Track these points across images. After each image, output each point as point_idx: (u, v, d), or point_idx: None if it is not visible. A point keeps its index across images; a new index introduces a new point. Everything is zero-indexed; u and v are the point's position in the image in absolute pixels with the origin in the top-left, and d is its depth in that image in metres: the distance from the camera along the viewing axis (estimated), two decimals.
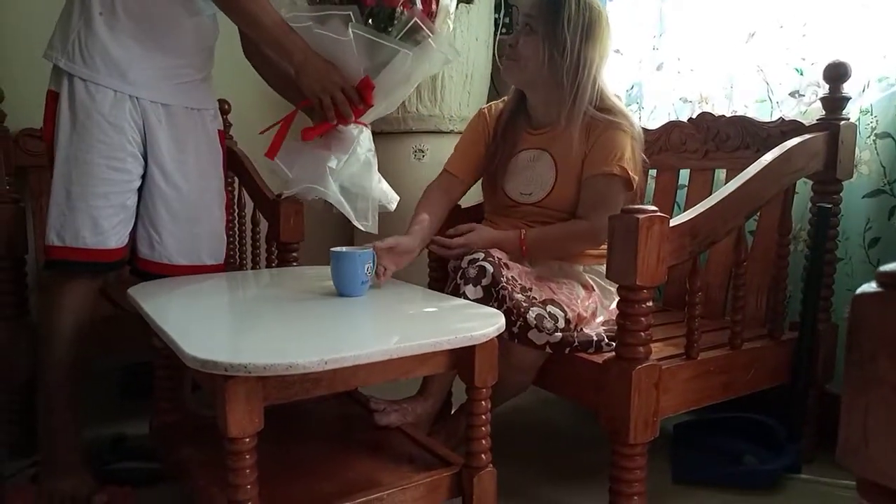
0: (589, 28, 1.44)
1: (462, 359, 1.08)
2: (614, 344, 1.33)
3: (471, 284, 1.32)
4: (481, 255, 1.36)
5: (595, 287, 1.49)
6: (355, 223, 1.40)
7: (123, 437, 1.60)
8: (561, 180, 1.50)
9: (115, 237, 1.35)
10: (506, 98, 1.65)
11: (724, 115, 1.70)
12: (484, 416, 1.11)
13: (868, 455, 0.41)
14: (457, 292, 1.33)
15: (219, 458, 0.94)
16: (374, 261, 1.26)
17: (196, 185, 1.47)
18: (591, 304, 1.46)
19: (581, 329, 1.37)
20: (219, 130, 1.55)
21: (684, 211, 1.31)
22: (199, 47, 1.45)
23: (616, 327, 1.23)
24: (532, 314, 1.30)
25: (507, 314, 1.26)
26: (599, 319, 1.47)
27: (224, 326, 1.14)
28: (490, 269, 1.33)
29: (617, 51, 2.03)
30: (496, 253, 1.39)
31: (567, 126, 1.46)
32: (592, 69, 1.45)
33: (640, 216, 1.11)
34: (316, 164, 1.40)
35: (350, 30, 1.30)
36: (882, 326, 0.41)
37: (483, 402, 1.10)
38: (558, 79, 1.45)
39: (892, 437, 0.40)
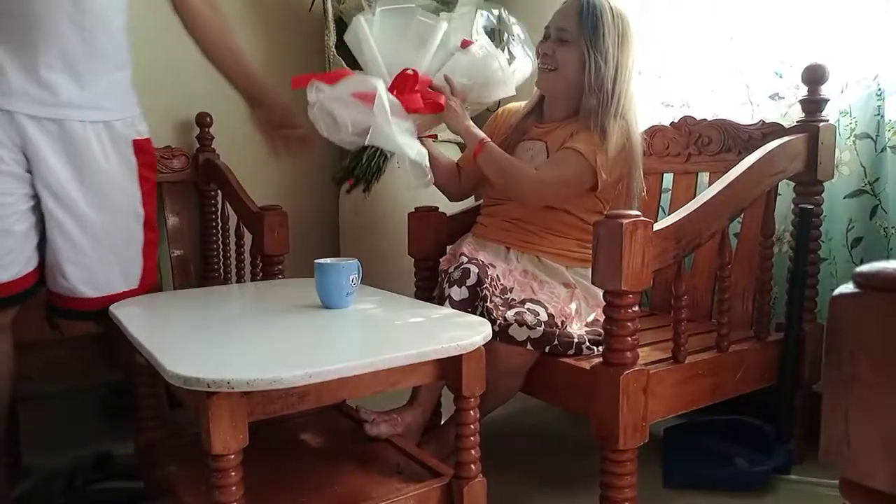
0: (623, 37, 1.49)
1: (449, 368, 1.08)
2: (595, 348, 1.34)
3: (455, 286, 1.35)
4: (465, 259, 1.39)
5: (578, 287, 1.49)
6: (413, 181, 1.48)
7: (109, 455, 1.57)
8: None
9: (6, 270, 1.19)
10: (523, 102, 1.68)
11: (705, 119, 1.71)
12: (473, 426, 1.10)
13: (849, 455, 0.41)
14: (443, 296, 1.35)
15: (204, 476, 0.93)
16: (359, 272, 1.26)
17: (100, 208, 1.29)
18: (575, 303, 1.46)
19: (565, 327, 1.38)
20: (137, 139, 1.35)
21: (668, 215, 1.32)
22: (98, 48, 1.21)
23: (600, 331, 1.22)
24: (511, 312, 1.32)
25: (489, 313, 1.30)
26: (589, 318, 1.47)
27: (207, 342, 1.13)
28: (475, 269, 1.35)
29: None
30: (479, 256, 1.42)
31: (602, 129, 1.45)
32: (627, 74, 1.49)
33: (624, 221, 1.11)
34: (359, 109, 1.45)
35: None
36: (860, 327, 0.41)
37: (471, 412, 1.10)
38: (598, 85, 1.47)
39: (871, 437, 0.40)
